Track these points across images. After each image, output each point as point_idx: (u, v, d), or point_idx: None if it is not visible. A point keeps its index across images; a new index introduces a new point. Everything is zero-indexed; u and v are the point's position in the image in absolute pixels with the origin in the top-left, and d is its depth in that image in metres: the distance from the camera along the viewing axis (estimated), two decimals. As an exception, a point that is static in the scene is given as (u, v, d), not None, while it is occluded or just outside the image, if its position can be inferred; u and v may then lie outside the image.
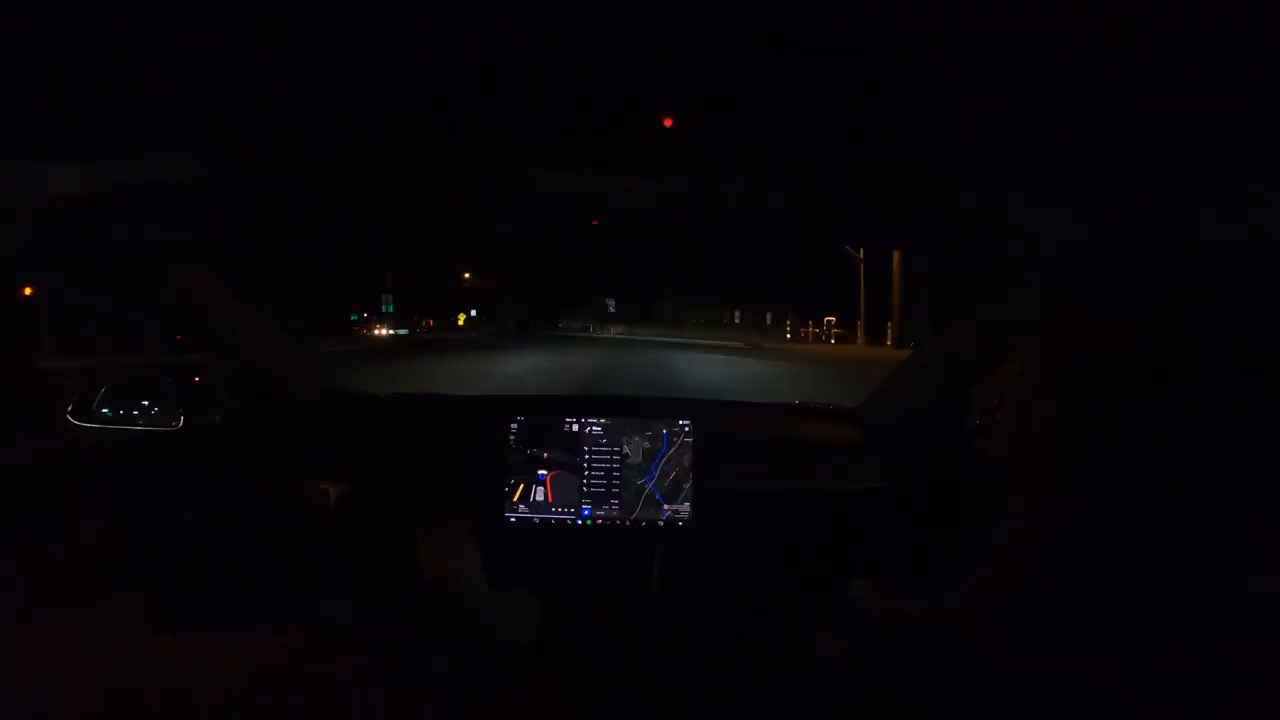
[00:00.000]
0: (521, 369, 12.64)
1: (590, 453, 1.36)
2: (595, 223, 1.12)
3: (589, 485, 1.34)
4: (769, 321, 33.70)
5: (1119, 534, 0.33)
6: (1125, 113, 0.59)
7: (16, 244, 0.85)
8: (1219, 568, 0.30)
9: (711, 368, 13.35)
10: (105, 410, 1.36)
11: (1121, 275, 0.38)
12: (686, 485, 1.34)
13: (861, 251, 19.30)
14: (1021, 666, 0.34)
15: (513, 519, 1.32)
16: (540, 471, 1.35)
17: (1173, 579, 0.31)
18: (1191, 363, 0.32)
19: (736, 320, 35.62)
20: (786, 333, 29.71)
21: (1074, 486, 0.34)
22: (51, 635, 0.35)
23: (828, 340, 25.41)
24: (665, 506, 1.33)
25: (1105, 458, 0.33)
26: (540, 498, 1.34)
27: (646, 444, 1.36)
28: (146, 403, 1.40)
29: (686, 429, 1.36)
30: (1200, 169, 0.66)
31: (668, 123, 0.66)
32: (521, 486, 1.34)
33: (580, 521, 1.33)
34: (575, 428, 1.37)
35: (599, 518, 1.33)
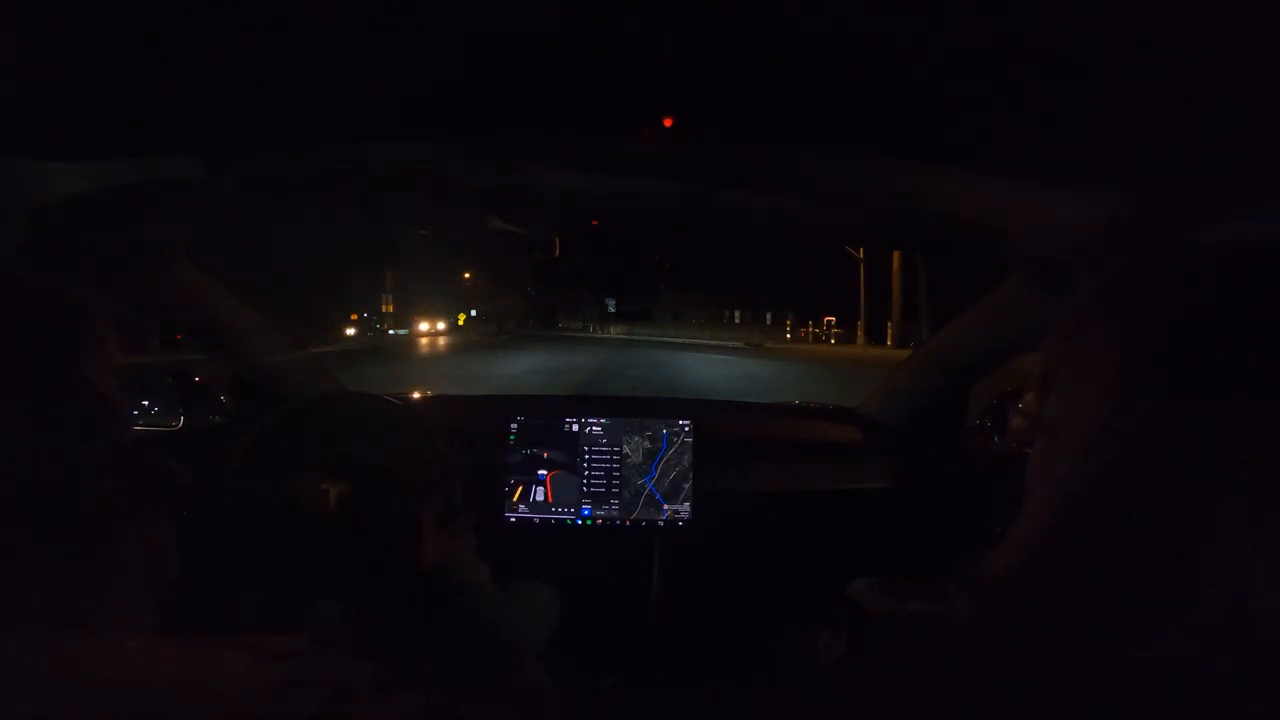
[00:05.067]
0: (522, 369, 12.64)
1: (590, 453, 1.36)
2: (595, 223, 1.12)
3: (589, 485, 1.34)
4: (769, 321, 33.68)
5: (1139, 532, 0.32)
6: (1125, 110, 0.59)
7: (17, 244, 0.85)
8: (1237, 569, 0.30)
9: (711, 368, 13.35)
10: (105, 410, 1.35)
11: (1136, 272, 0.37)
12: (686, 485, 1.34)
13: (861, 251, 19.28)
14: (1022, 665, 0.34)
15: (513, 519, 1.32)
16: (540, 471, 1.35)
17: (1188, 579, 0.31)
18: (1217, 360, 0.32)
19: (736, 320, 35.61)
20: (786, 333, 29.68)
21: (1096, 483, 0.34)
22: (53, 638, 0.35)
23: (828, 340, 25.38)
24: (665, 506, 1.33)
25: (1126, 456, 0.33)
26: (540, 498, 1.34)
27: (646, 444, 1.36)
28: (146, 403, 1.39)
29: (686, 429, 1.36)
30: (1210, 166, 0.66)
31: (668, 123, 0.66)
32: (521, 487, 1.34)
33: (580, 521, 1.33)
34: (575, 428, 1.37)
35: (599, 518, 1.33)
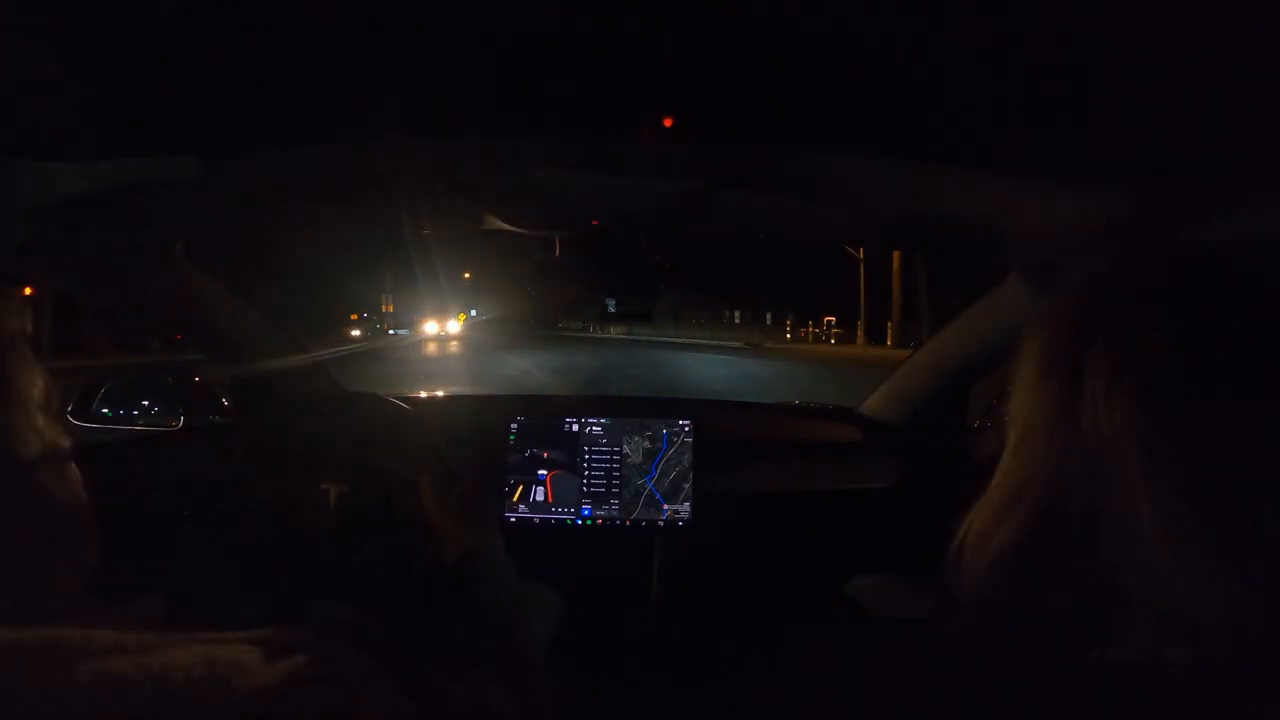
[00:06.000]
0: (522, 369, 12.64)
1: (590, 453, 1.35)
2: (595, 223, 1.12)
3: (589, 485, 1.34)
4: (769, 321, 33.69)
5: (1110, 528, 0.33)
6: (1125, 110, 0.59)
7: (16, 244, 0.85)
8: (1212, 562, 0.30)
9: (711, 368, 13.35)
10: (105, 410, 1.35)
11: (1119, 273, 0.38)
12: (686, 485, 1.34)
13: (861, 251, 19.28)
14: (1020, 663, 0.34)
15: (512, 519, 1.32)
16: (540, 471, 1.35)
17: (1164, 574, 0.31)
18: (1185, 359, 0.32)
19: (736, 320, 35.62)
20: (786, 333, 29.69)
21: (1062, 479, 0.35)
22: (59, 635, 0.35)
23: (828, 340, 25.39)
24: (665, 506, 1.33)
25: (1097, 451, 0.34)
26: (540, 498, 1.34)
27: (646, 444, 1.36)
28: (146, 403, 1.39)
29: (686, 429, 1.36)
30: (1210, 166, 0.66)
31: (668, 123, 0.66)
32: (521, 487, 1.34)
33: (580, 521, 1.33)
34: (575, 428, 1.37)
35: (599, 518, 1.33)
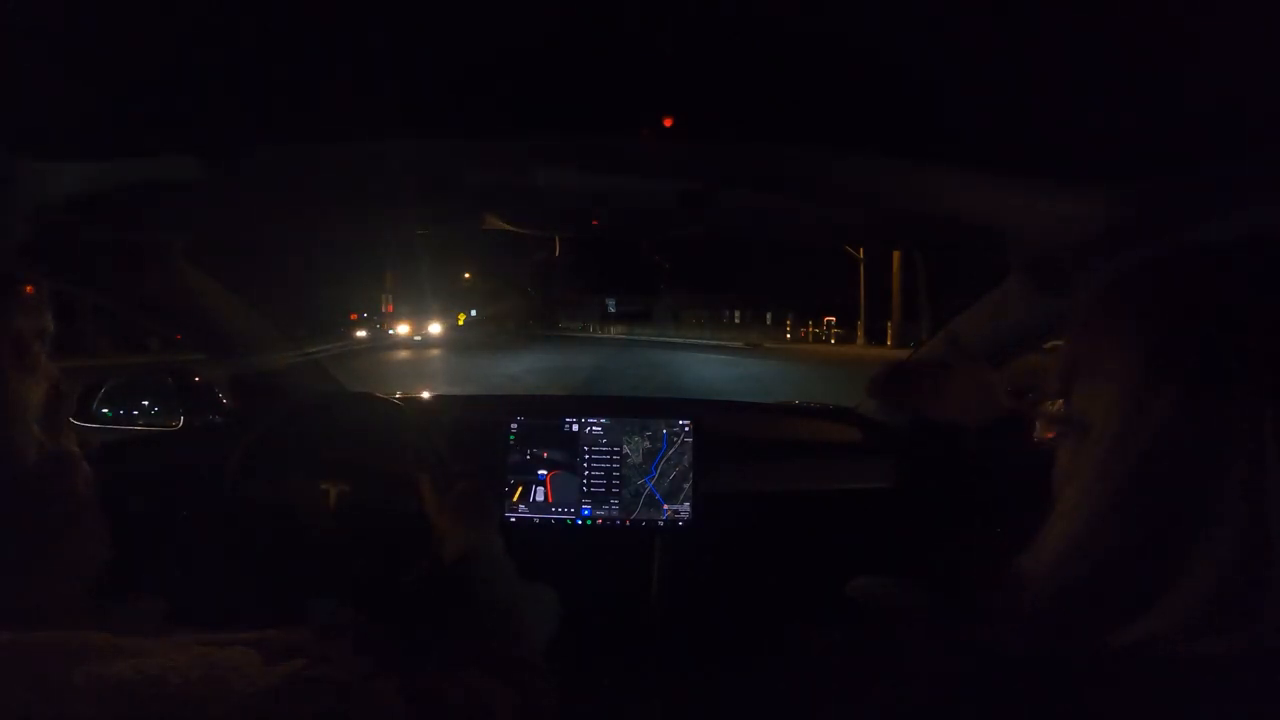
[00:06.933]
0: (522, 368, 12.64)
1: (590, 453, 1.35)
2: (595, 223, 1.12)
3: (589, 485, 1.34)
4: (769, 321, 33.70)
5: (1174, 521, 0.32)
6: (1125, 111, 0.59)
7: (16, 244, 0.85)
8: (1265, 567, 0.30)
9: (711, 368, 13.35)
10: (105, 410, 1.35)
11: (1150, 268, 0.38)
12: (686, 485, 1.34)
13: (861, 251, 19.26)
14: (1037, 660, 0.34)
15: (512, 519, 1.32)
16: (540, 471, 1.34)
17: (1216, 576, 0.31)
18: (1237, 355, 0.32)
19: (736, 320, 35.65)
20: (786, 333, 29.69)
21: (1134, 476, 0.34)
22: (57, 638, 0.35)
23: (828, 340, 25.38)
24: (665, 506, 1.33)
25: (1156, 447, 0.33)
26: (540, 498, 1.34)
27: (646, 444, 1.35)
28: (146, 403, 1.39)
29: (686, 429, 1.36)
30: (1210, 164, 0.66)
31: (668, 123, 0.66)
32: (521, 487, 1.34)
33: (580, 521, 1.33)
34: (575, 428, 1.37)
35: (599, 518, 1.33)
